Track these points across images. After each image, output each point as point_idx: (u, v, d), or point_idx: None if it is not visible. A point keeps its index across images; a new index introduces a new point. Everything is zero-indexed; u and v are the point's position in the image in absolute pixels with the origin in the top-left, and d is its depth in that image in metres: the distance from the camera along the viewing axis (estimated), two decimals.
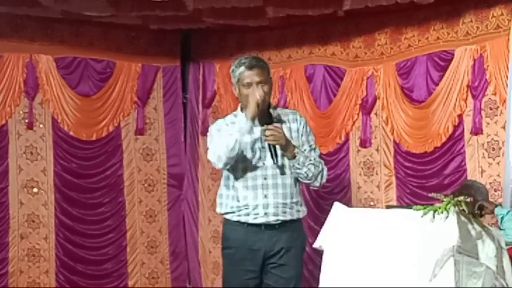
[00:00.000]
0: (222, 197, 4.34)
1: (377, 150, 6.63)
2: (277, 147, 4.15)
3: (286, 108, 4.52)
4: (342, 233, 3.78)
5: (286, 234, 4.21)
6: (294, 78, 7.13)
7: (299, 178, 4.23)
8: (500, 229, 4.60)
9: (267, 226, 4.19)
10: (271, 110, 4.28)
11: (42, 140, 7.16)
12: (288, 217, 4.22)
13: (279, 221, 4.20)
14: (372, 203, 6.61)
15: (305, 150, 4.24)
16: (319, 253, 3.90)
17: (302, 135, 4.26)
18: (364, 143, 6.67)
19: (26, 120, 7.07)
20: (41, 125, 7.15)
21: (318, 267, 3.87)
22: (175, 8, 6.17)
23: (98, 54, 7.38)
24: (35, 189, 7.09)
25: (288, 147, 4.14)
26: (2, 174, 6.95)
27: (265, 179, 4.18)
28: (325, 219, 3.88)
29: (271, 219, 4.18)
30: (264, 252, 4.20)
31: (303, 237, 4.35)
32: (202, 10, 6.31)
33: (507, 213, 4.75)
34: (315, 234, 3.98)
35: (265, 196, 4.17)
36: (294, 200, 4.24)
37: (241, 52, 7.44)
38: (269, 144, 4.14)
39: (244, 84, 4.20)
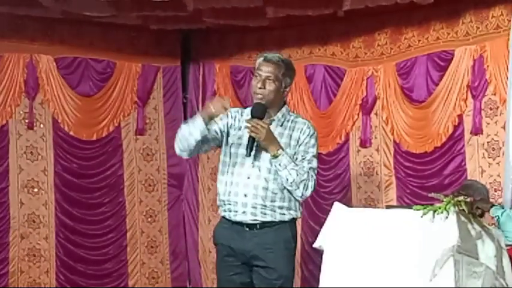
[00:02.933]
0: (217, 190, 4.36)
1: (377, 150, 6.64)
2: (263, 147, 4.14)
3: (302, 117, 4.41)
4: (342, 233, 3.79)
5: (267, 235, 4.16)
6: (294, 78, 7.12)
7: (281, 181, 4.15)
8: (501, 230, 4.61)
9: (249, 226, 4.17)
10: (282, 111, 4.23)
11: (43, 140, 7.16)
12: (268, 218, 4.15)
13: (259, 222, 4.16)
14: (371, 203, 6.61)
15: (297, 158, 4.16)
16: (319, 253, 3.90)
17: (301, 145, 4.18)
18: (364, 143, 6.68)
19: (27, 120, 7.08)
20: (42, 125, 7.16)
21: (318, 267, 3.87)
22: (175, 8, 6.18)
23: (98, 54, 7.39)
24: (36, 189, 7.10)
25: (268, 143, 4.07)
26: (2, 174, 6.96)
27: (248, 178, 4.15)
28: (325, 219, 3.89)
29: (249, 218, 4.15)
30: (244, 252, 4.19)
31: (288, 239, 4.21)
32: (203, 10, 6.32)
33: (502, 214, 4.75)
34: (315, 234, 3.98)
35: (245, 195, 4.14)
36: (277, 203, 4.15)
37: (241, 52, 7.46)
38: (249, 137, 4.11)
39: (256, 74, 4.20)
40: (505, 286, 3.68)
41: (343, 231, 3.78)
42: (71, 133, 7.24)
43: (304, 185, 4.12)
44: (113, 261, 7.41)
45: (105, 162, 7.42)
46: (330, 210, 3.88)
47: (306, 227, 6.93)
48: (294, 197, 4.18)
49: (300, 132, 4.20)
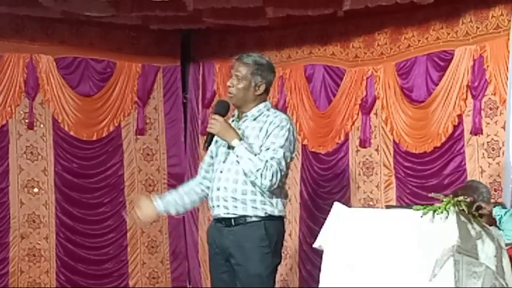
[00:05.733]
0: None
1: (376, 150, 6.64)
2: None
3: (281, 111, 4.45)
4: (342, 233, 3.78)
5: (241, 233, 4.19)
6: (293, 78, 7.13)
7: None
8: (500, 229, 4.61)
9: (225, 222, 4.23)
10: (258, 107, 4.27)
11: (43, 140, 7.17)
12: (240, 212, 4.18)
13: (231, 215, 4.20)
14: (371, 203, 6.61)
15: (261, 150, 4.18)
16: (318, 253, 3.91)
17: (269, 136, 4.18)
18: (364, 143, 6.68)
19: (27, 120, 7.09)
20: (42, 125, 7.16)
21: (316, 267, 3.87)
22: (175, 8, 6.18)
23: (98, 54, 7.39)
24: (36, 189, 7.10)
25: (224, 135, 4.17)
26: (2, 174, 6.96)
27: (221, 172, 4.24)
28: (324, 219, 3.88)
29: (222, 212, 4.21)
30: (223, 249, 4.24)
31: (261, 236, 4.19)
32: (202, 10, 6.33)
33: (505, 214, 4.75)
34: (313, 234, 3.98)
35: (218, 189, 4.23)
36: (249, 197, 4.17)
37: (241, 52, 7.38)
38: (207, 132, 4.25)
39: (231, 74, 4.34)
40: (505, 286, 3.68)
41: (343, 231, 3.78)
42: (71, 133, 7.24)
43: (261, 174, 4.11)
44: (113, 261, 7.41)
45: (105, 162, 7.42)
46: (328, 210, 3.88)
47: (304, 226, 6.93)
48: (262, 190, 4.17)
49: (270, 123, 4.23)
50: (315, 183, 6.96)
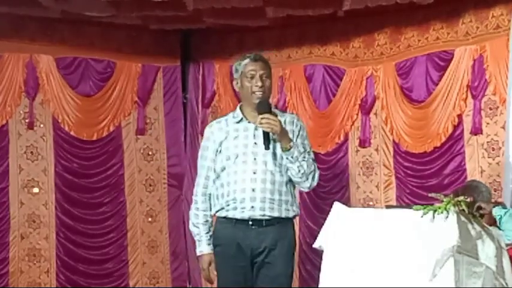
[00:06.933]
0: (213, 197, 4.35)
1: (376, 150, 6.64)
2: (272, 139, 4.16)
3: (285, 111, 4.49)
4: (342, 233, 3.79)
5: (272, 232, 4.18)
6: (293, 78, 7.14)
7: (290, 174, 4.18)
8: (500, 229, 4.62)
9: (254, 223, 4.17)
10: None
11: (43, 139, 7.17)
12: (276, 214, 4.17)
13: (266, 217, 4.17)
14: (370, 203, 6.62)
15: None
16: (317, 253, 3.91)
17: (297, 138, 4.22)
18: (364, 143, 6.68)
19: (27, 120, 7.09)
20: (42, 125, 7.16)
21: (316, 268, 3.87)
22: (175, 8, 6.18)
23: (98, 54, 7.39)
24: (36, 189, 7.10)
25: (283, 136, 4.10)
26: (2, 174, 6.96)
27: (254, 173, 4.16)
28: (324, 219, 3.89)
29: (258, 213, 4.15)
30: (250, 249, 4.19)
31: (291, 237, 4.27)
32: (202, 10, 6.33)
33: (505, 214, 4.75)
34: (313, 234, 3.99)
35: (253, 190, 4.14)
36: (284, 198, 4.19)
37: (241, 52, 7.40)
38: (263, 132, 4.12)
39: (248, 76, 4.20)
40: (505, 286, 3.68)
41: (343, 231, 3.78)
42: (72, 133, 7.24)
43: (313, 176, 4.22)
44: (114, 261, 7.41)
45: (105, 162, 7.42)
46: (328, 210, 3.88)
47: (304, 227, 6.93)
48: (301, 188, 4.27)
49: (293, 125, 4.25)
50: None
